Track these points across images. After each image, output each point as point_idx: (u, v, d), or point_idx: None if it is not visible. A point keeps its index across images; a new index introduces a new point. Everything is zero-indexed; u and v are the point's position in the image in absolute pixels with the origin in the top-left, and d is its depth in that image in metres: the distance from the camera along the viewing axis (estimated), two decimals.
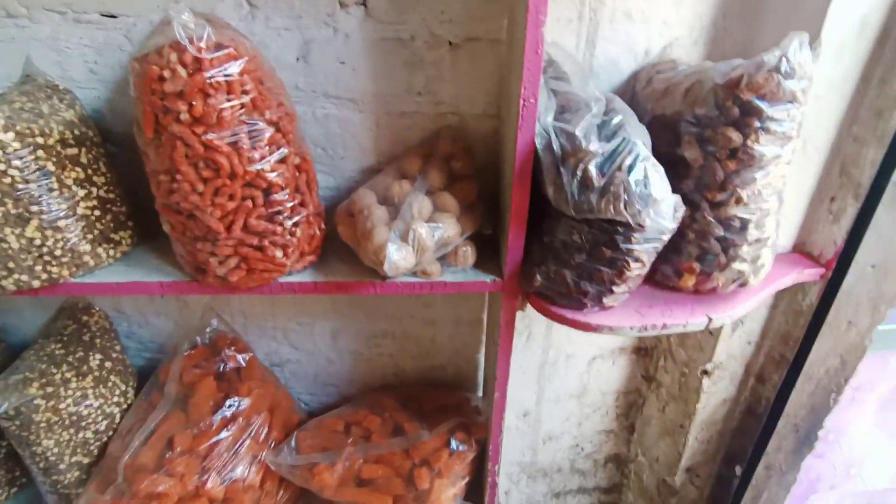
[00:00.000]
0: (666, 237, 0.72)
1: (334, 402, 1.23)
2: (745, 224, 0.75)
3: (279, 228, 0.76)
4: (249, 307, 1.09)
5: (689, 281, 0.81)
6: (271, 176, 0.72)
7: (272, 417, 1.06)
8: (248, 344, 1.10)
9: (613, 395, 1.30)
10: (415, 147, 0.90)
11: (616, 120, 0.71)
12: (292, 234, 0.77)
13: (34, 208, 0.73)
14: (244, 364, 1.06)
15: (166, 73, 0.62)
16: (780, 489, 1.25)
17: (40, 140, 0.72)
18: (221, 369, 1.04)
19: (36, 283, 0.77)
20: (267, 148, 0.71)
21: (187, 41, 0.61)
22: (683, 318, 0.79)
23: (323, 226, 0.84)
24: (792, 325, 1.00)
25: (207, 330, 1.06)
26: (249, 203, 0.72)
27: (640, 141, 0.68)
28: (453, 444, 1.04)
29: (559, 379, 1.24)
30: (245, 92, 0.66)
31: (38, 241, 0.75)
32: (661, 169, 0.68)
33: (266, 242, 0.76)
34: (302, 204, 0.78)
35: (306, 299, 1.08)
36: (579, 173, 0.68)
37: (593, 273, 0.75)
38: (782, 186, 0.76)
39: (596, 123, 0.71)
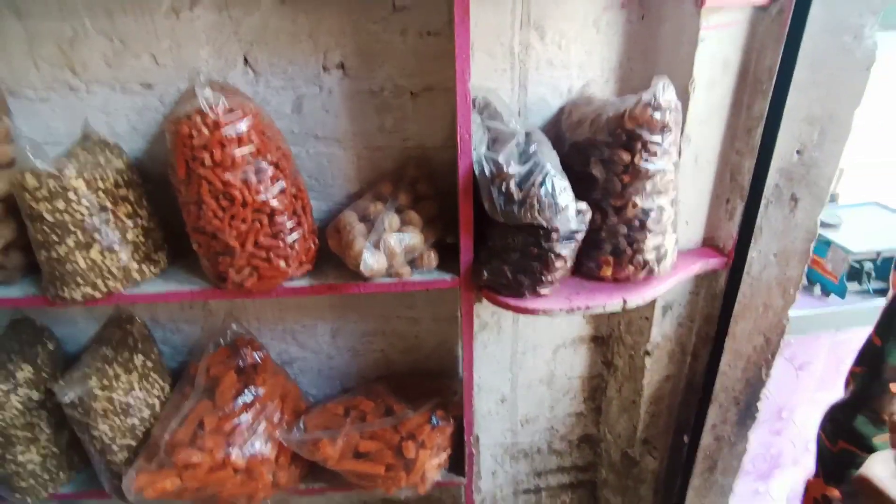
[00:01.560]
0: (579, 236, 0.93)
1: (335, 394, 1.44)
2: (643, 223, 0.95)
3: (282, 244, 0.98)
4: (262, 313, 1.31)
5: (608, 271, 1.01)
6: (274, 204, 0.94)
7: (283, 404, 1.27)
8: (262, 344, 1.31)
9: (579, 381, 1.49)
10: (387, 174, 1.13)
11: (532, 148, 0.93)
12: (292, 247, 1.00)
13: (96, 236, 0.97)
14: (259, 361, 1.28)
15: (194, 133, 0.85)
16: (733, 458, 1.42)
17: (100, 184, 0.96)
18: (241, 365, 1.26)
19: (98, 295, 1.00)
20: (270, 182, 0.93)
21: (208, 109, 0.85)
22: (603, 301, 0.99)
23: (317, 240, 1.06)
24: (711, 307, 1.19)
25: (228, 333, 1.28)
26: (258, 225, 0.95)
27: (549, 163, 0.89)
28: (434, 419, 1.24)
29: (529, 367, 1.44)
30: (251, 141, 0.89)
31: (98, 262, 0.98)
32: (565, 183, 0.89)
33: (272, 255, 0.98)
34: (299, 224, 1.00)
35: (308, 303, 1.30)
36: (504, 190, 0.89)
37: (526, 268, 0.96)
38: (674, 192, 0.97)
39: (518, 151, 0.93)
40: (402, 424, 1.24)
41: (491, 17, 1.00)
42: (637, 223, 0.95)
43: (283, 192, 0.96)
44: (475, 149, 0.93)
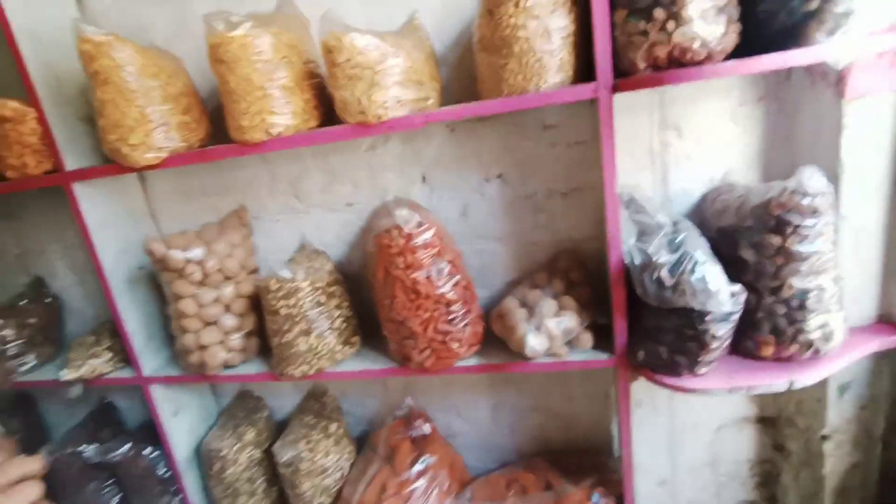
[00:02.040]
0: (734, 318, 0.97)
1: (495, 467, 1.53)
2: (802, 303, 0.97)
3: (455, 329, 1.15)
4: (431, 389, 1.49)
5: (768, 351, 1.02)
6: (450, 295, 1.13)
7: (451, 473, 1.40)
8: (431, 417, 1.47)
9: (747, 465, 1.41)
10: (542, 264, 1.27)
11: (680, 237, 1.01)
12: (463, 331, 1.16)
13: (314, 325, 1.22)
14: (429, 432, 1.43)
15: (392, 244, 1.08)
16: None
17: (318, 285, 1.23)
18: (414, 436, 1.43)
19: (312, 371, 1.25)
20: (446, 278, 1.12)
21: (403, 224, 1.08)
22: (767, 381, 0.99)
23: (483, 324, 1.22)
24: None
25: (403, 407, 1.47)
26: (437, 313, 1.13)
27: (698, 251, 0.97)
28: (594, 497, 1.27)
29: (689, 448, 1.41)
30: (434, 246, 1.10)
31: (314, 345, 1.23)
32: (717, 268, 0.95)
33: (448, 339, 1.15)
34: (469, 311, 1.17)
35: (471, 381, 1.44)
36: (655, 278, 0.98)
37: (682, 348, 1.01)
38: (835, 270, 0.97)
39: (666, 241, 1.02)
40: (563, 500, 1.29)
41: (630, 124, 1.14)
42: (796, 303, 0.97)
43: (456, 284, 1.14)
44: (624, 241, 1.04)
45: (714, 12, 0.86)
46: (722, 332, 0.98)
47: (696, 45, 0.86)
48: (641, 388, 1.37)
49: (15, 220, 1.56)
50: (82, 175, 1.21)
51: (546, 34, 0.93)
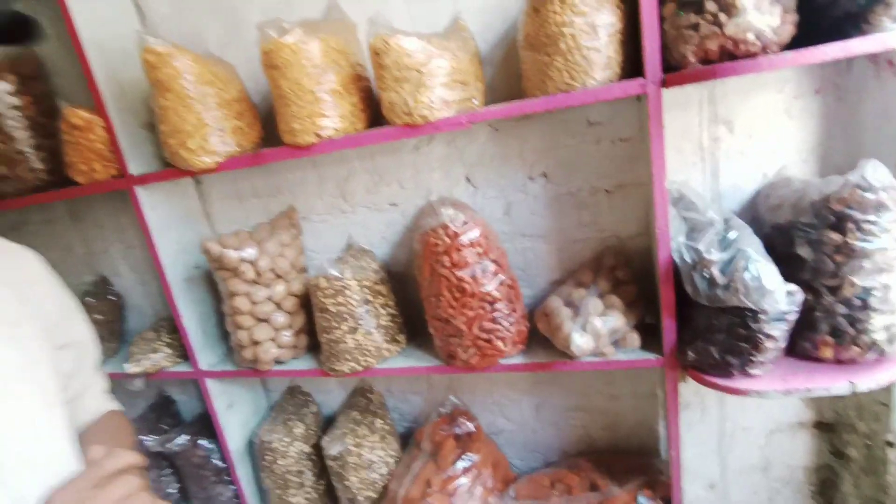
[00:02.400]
0: (790, 317, 0.94)
1: (539, 467, 1.53)
2: (865, 302, 0.93)
3: (500, 327, 1.16)
4: (475, 387, 1.50)
5: (827, 352, 0.98)
6: (495, 294, 1.13)
7: (494, 472, 1.41)
8: (475, 416, 1.48)
9: (802, 471, 1.36)
10: (587, 263, 1.26)
11: (732, 234, 0.99)
12: (508, 330, 1.17)
13: (361, 322, 1.25)
14: (473, 430, 1.44)
15: (438, 242, 1.10)
16: None
17: (365, 283, 1.26)
18: (458, 433, 1.44)
19: (359, 368, 1.28)
20: (491, 276, 1.13)
21: (449, 222, 1.09)
22: (826, 384, 0.96)
23: (528, 323, 1.22)
24: None
25: (447, 404, 1.48)
26: (482, 312, 1.14)
27: (751, 248, 0.94)
28: (641, 499, 1.25)
29: (739, 451, 1.37)
30: (480, 245, 1.11)
31: (361, 342, 1.26)
32: (771, 267, 0.92)
33: (493, 337, 1.16)
34: (513, 310, 1.18)
35: (515, 379, 1.45)
36: (706, 275, 0.96)
37: (734, 348, 0.99)
38: None
39: (717, 239, 1.00)
40: (609, 501, 1.27)
41: (678, 120, 1.12)
42: (858, 302, 0.93)
43: (501, 283, 1.15)
44: (673, 238, 1.02)
45: (769, 2, 0.84)
46: (777, 332, 0.95)
47: (749, 38, 0.84)
48: (690, 390, 1.34)
49: (81, 222, 1.66)
50: (144, 179, 1.27)
51: (592, 30, 0.93)
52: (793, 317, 0.94)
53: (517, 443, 1.53)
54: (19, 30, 0.42)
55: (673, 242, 1.02)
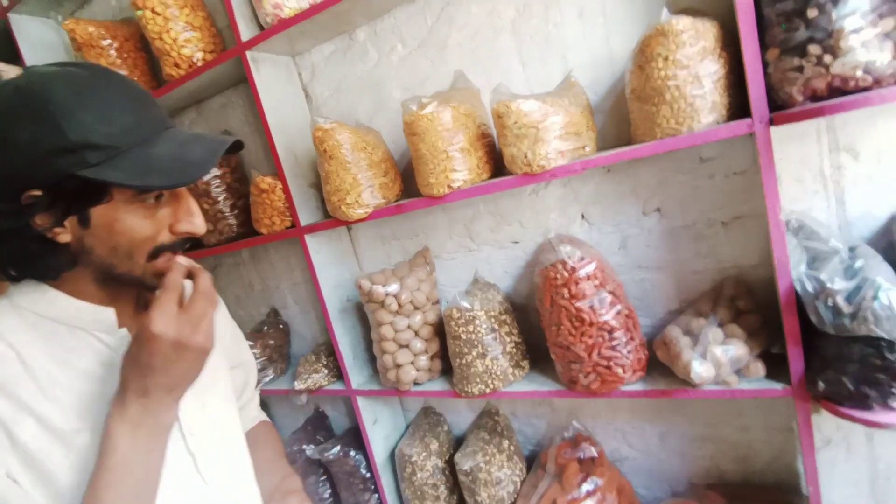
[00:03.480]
0: None
1: (665, 497, 1.53)
2: None
3: (619, 354, 1.23)
4: (597, 413, 1.56)
5: None
6: (612, 323, 1.22)
7: (620, 497, 1.45)
8: (597, 441, 1.54)
9: None
10: (706, 293, 1.29)
11: (859, 263, 0.98)
12: (627, 357, 1.24)
13: (489, 349, 1.40)
14: (596, 454, 1.50)
15: (557, 276, 1.22)
16: None
17: (492, 314, 1.41)
18: (581, 457, 1.51)
19: (487, 390, 1.42)
20: (609, 307, 1.22)
21: (567, 258, 1.21)
22: None
23: (647, 352, 1.28)
24: None
25: (570, 428, 1.56)
26: (601, 340, 1.23)
27: (881, 276, 0.93)
28: None
29: None
30: (596, 278, 1.21)
31: (489, 367, 1.41)
32: None
33: (612, 363, 1.24)
34: (631, 338, 1.25)
35: (638, 406, 1.49)
36: (830, 305, 0.96)
37: (870, 379, 0.97)
38: None
39: (842, 267, 1.00)
40: None
41: (795, 151, 1.14)
42: None
43: (618, 313, 1.23)
44: (794, 268, 1.04)
45: (878, 40, 0.87)
46: None
47: (859, 74, 0.87)
48: (831, 425, 1.28)
49: (259, 264, 2.03)
50: (311, 229, 1.56)
51: (696, 80, 1.01)
52: None
53: (641, 471, 1.55)
54: (233, 147, 0.67)
55: (794, 272, 1.04)
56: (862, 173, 1.11)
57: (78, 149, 0.60)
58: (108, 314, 0.73)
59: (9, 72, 2.00)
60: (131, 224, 0.65)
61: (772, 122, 0.98)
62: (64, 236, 0.65)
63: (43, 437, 0.65)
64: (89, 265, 0.68)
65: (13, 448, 0.64)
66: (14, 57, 1.94)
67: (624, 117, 1.27)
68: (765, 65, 0.98)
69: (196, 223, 0.70)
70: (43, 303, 0.70)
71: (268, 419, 1.19)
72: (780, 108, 0.99)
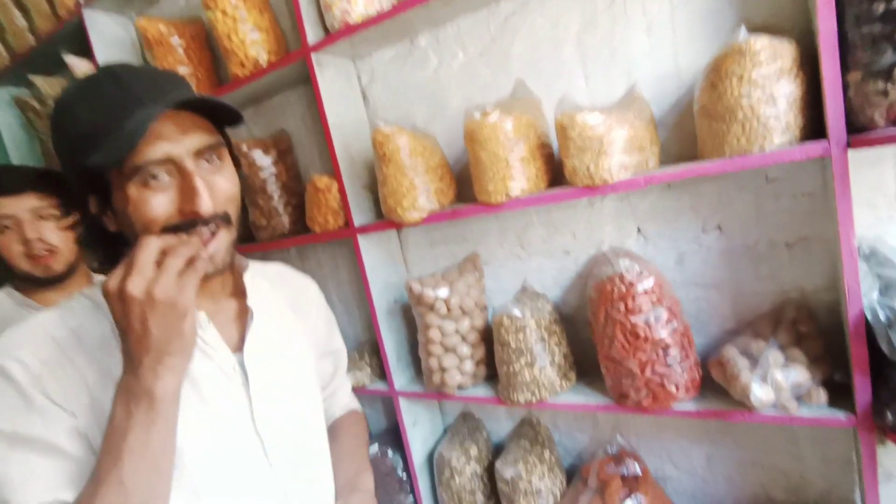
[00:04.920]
0: None
1: None
2: None
3: (673, 371, 1.22)
4: (642, 430, 1.54)
5: None
6: (668, 340, 1.20)
7: None
8: (641, 458, 1.52)
9: None
10: (765, 314, 1.26)
11: None
12: (681, 375, 1.22)
13: (537, 358, 1.40)
14: (640, 473, 1.48)
15: (615, 290, 1.21)
16: None
17: (542, 323, 1.41)
18: (625, 473, 1.49)
19: (534, 399, 1.42)
20: (665, 323, 1.21)
21: (625, 272, 1.20)
22: None
23: (700, 371, 1.26)
24: None
25: (614, 444, 1.55)
26: (655, 356, 1.22)
27: None
28: None
29: None
30: (653, 293, 1.20)
31: (537, 376, 1.41)
32: None
33: (665, 381, 1.22)
34: (686, 357, 1.23)
35: (685, 426, 1.46)
36: None
37: None
38: None
39: None
40: None
41: (868, 176, 1.11)
42: None
43: (674, 330, 1.22)
44: (865, 295, 1.01)
45: None
46: None
47: None
48: (893, 460, 1.24)
49: (307, 262, 2.08)
50: (364, 230, 1.59)
51: (771, 100, 1.00)
52: None
53: (685, 492, 1.52)
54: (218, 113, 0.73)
55: (865, 299, 1.01)
56: None
57: (75, 139, 0.68)
58: None
59: (79, 65, 2.11)
60: (137, 206, 0.68)
61: (849, 144, 0.96)
62: (110, 223, 0.73)
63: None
64: None
65: (91, 409, 0.69)
66: (86, 51, 2.03)
67: (688, 133, 1.26)
68: (844, 88, 0.96)
69: (198, 202, 0.68)
70: None
71: (359, 408, 1.21)
72: (856, 132, 0.97)
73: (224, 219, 0.73)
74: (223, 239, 0.74)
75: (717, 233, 1.29)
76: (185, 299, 0.62)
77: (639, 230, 1.39)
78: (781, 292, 1.26)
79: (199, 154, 0.71)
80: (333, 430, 1.09)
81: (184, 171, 0.69)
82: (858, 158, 1.09)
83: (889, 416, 1.01)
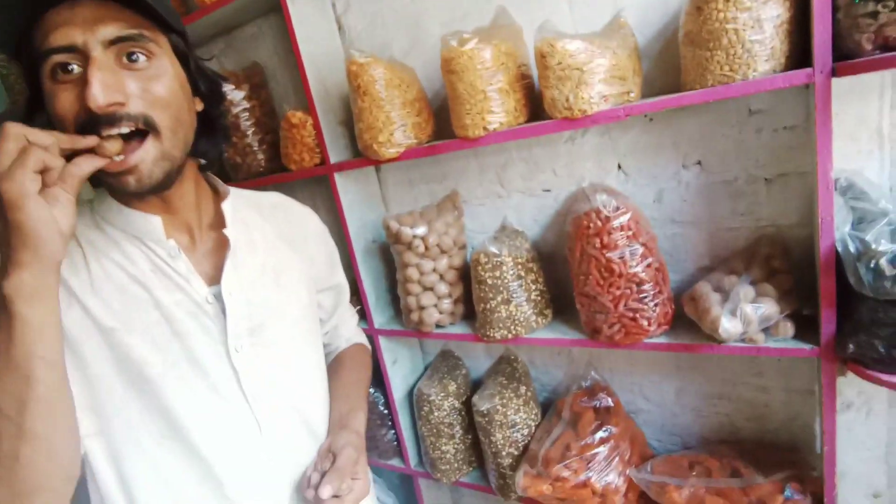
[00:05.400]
0: None
1: (677, 450, 1.56)
2: None
3: (645, 307, 1.23)
4: (615, 365, 1.57)
5: None
6: (641, 275, 1.21)
7: (632, 447, 1.48)
8: (614, 392, 1.57)
9: None
10: (740, 251, 1.27)
11: None
12: (653, 310, 1.23)
13: (513, 295, 1.41)
14: (612, 405, 1.53)
15: (590, 225, 1.20)
16: None
17: (519, 261, 1.41)
18: (597, 406, 1.53)
19: (510, 336, 1.44)
20: (640, 259, 1.21)
21: (601, 207, 1.19)
22: None
23: (673, 306, 1.27)
24: None
25: (588, 379, 1.58)
26: (628, 291, 1.22)
27: None
28: (787, 491, 1.24)
29: None
30: (630, 229, 1.19)
31: (513, 313, 1.42)
32: None
33: (638, 316, 1.24)
34: (660, 292, 1.24)
35: (656, 360, 1.50)
36: (873, 266, 0.94)
37: None
38: None
39: (889, 230, 0.97)
40: (751, 489, 1.28)
41: (853, 107, 1.08)
42: None
43: (649, 266, 1.22)
44: (838, 228, 1.01)
45: None
46: None
47: None
48: (853, 389, 1.28)
49: None
50: (341, 167, 1.55)
51: (757, 24, 0.96)
52: None
53: (655, 424, 1.58)
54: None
55: (837, 232, 1.01)
56: None
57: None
58: (155, 223, 0.75)
59: None
60: (48, 100, 0.65)
61: (834, 72, 0.93)
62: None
63: (84, 325, 0.70)
64: None
65: None
66: None
67: (672, 63, 1.21)
68: (834, 10, 0.92)
69: (86, 93, 0.61)
70: (104, 209, 0.76)
71: (365, 342, 1.20)
72: (843, 59, 0.93)
73: (147, 123, 0.66)
74: (150, 149, 0.67)
75: (697, 168, 1.27)
76: (14, 187, 0.53)
77: (619, 166, 1.37)
78: (757, 228, 1.25)
79: (117, 47, 0.64)
80: (334, 365, 1.09)
81: (88, 60, 0.62)
82: (843, 88, 1.06)
83: (851, 346, 1.03)
